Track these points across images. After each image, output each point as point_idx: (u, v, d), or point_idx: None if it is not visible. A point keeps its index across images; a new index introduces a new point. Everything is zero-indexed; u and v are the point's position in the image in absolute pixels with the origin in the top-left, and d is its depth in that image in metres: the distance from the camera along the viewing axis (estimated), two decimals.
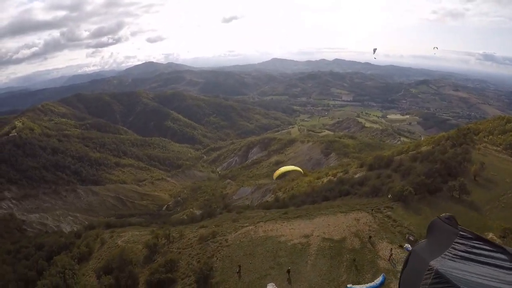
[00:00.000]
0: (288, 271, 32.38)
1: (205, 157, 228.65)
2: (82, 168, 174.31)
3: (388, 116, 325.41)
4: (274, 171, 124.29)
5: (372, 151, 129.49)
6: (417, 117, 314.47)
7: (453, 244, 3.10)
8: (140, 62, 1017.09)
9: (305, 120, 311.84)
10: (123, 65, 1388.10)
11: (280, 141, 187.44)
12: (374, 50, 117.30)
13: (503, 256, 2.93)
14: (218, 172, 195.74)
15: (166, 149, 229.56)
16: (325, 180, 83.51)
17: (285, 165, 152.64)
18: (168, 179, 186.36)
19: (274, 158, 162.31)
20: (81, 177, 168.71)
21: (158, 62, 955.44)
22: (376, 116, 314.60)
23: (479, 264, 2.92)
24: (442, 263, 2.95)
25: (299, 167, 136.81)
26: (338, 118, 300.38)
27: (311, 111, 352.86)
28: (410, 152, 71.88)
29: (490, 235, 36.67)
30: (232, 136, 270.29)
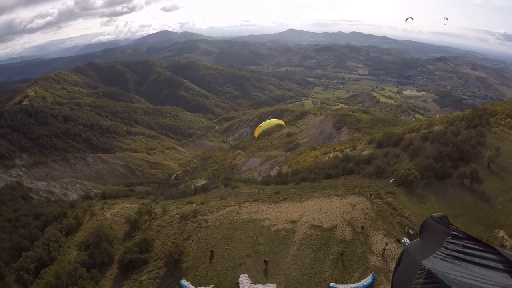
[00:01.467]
0: (266, 262, 29.91)
1: (217, 127, 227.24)
2: (93, 136, 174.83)
3: (403, 92, 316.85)
4: (285, 143, 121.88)
5: (385, 127, 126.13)
6: (433, 95, 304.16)
7: (445, 244, 3.13)
8: (155, 31, 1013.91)
9: (319, 93, 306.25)
10: (138, 34, 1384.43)
11: (292, 113, 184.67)
12: (407, 19, 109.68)
13: (494, 257, 2.91)
14: (229, 143, 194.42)
15: (178, 118, 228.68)
16: (331, 155, 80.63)
17: (297, 137, 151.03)
18: (179, 148, 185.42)
19: (285, 130, 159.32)
20: (92, 145, 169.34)
21: (173, 31, 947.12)
22: (392, 91, 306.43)
23: (470, 264, 2.91)
24: (434, 263, 2.95)
25: (310, 140, 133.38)
26: (353, 92, 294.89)
27: (326, 83, 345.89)
28: (421, 131, 68.03)
29: (501, 233, 33.57)
30: (245, 107, 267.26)
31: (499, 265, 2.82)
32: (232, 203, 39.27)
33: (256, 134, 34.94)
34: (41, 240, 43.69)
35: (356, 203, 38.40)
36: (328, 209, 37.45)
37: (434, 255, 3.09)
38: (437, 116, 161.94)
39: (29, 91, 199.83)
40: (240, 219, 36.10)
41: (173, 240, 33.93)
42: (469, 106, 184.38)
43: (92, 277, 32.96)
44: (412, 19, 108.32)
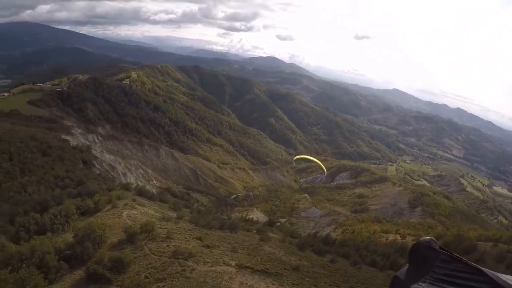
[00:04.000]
0: None
1: (294, 163, 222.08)
2: (175, 132, 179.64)
3: (494, 187, 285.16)
4: (354, 203, 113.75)
5: (462, 221, 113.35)
6: None
7: (434, 268, 3.04)
8: (265, 55, 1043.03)
9: (407, 162, 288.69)
10: (249, 53, 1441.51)
11: (372, 175, 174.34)
12: None
13: (481, 278, 2.86)
14: (300, 183, 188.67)
15: (260, 143, 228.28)
16: (390, 237, 71.36)
17: (368, 201, 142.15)
18: (250, 171, 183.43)
19: (359, 190, 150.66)
20: (170, 140, 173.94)
21: (282, 59, 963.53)
22: (482, 183, 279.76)
23: (459, 287, 2.88)
24: (423, 287, 2.93)
25: (380, 209, 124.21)
26: (441, 172, 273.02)
27: (415, 154, 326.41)
28: (499, 244, 55.44)
29: None
30: (328, 153, 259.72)
31: (485, 286, 2.78)
32: (233, 263, 32.68)
33: (297, 156, 30.43)
34: (55, 209, 41.78)
35: None
36: None
37: (423, 279, 2.93)
38: None
39: (132, 73, 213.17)
40: None
41: (146, 275, 28.99)
42: None
43: (57, 269, 29.53)
44: None
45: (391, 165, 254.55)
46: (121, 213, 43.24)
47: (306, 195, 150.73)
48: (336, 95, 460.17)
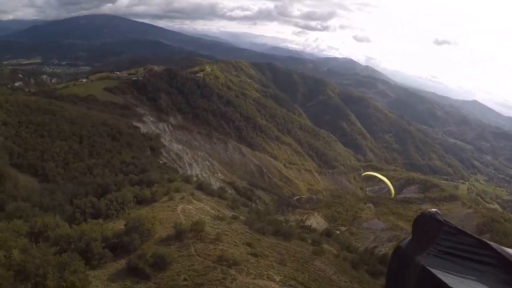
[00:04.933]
0: None
1: (362, 170, 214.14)
2: (245, 127, 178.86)
3: None
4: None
5: None
6: None
7: (438, 240, 3.09)
8: (340, 56, 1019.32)
9: (480, 182, 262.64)
10: (324, 53, 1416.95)
11: (441, 192, 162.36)
12: None
13: (487, 252, 2.89)
14: (365, 192, 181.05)
15: (329, 145, 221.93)
16: None
17: None
18: (315, 174, 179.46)
19: (426, 206, 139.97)
20: (240, 135, 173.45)
21: (358, 61, 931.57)
22: None
23: (464, 260, 2.91)
24: (428, 259, 2.92)
25: None
26: None
27: (490, 174, 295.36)
28: None
29: None
30: (398, 163, 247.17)
31: (492, 260, 2.82)
32: (277, 279, 29.09)
33: (366, 173, 26.48)
34: (113, 195, 40.95)
35: None
36: None
37: (428, 251, 2.97)
38: None
39: (206, 67, 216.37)
40: None
41: (185, 278, 26.47)
42: None
43: (101, 256, 28.56)
44: None
45: (462, 183, 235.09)
46: (176, 206, 41.63)
47: (370, 205, 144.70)
48: (412, 103, 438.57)
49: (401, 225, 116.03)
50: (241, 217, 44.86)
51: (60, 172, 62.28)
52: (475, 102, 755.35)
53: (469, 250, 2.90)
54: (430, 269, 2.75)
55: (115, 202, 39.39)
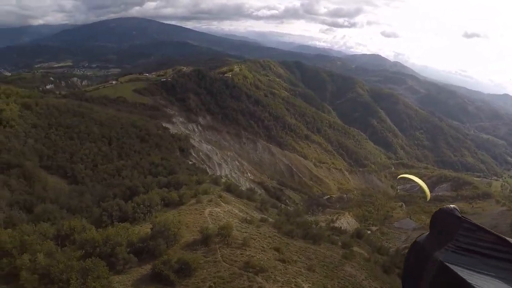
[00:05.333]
0: None
1: (393, 168, 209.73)
2: (274, 126, 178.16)
3: None
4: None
5: None
6: None
7: (457, 236, 3.04)
8: (368, 52, 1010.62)
9: None
10: (352, 50, 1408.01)
11: (474, 189, 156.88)
12: None
13: (507, 249, 2.83)
14: (397, 190, 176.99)
15: (359, 144, 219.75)
16: None
17: (469, 217, 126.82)
18: (346, 172, 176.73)
19: (458, 205, 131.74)
20: (269, 134, 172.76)
21: (386, 57, 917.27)
22: None
23: (482, 256, 2.85)
24: (446, 255, 2.89)
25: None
26: None
27: None
28: None
29: None
30: (429, 161, 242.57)
31: (509, 256, 2.77)
32: (305, 286, 27.78)
33: (401, 175, 24.63)
34: (141, 198, 40.43)
35: None
36: None
37: (446, 247, 2.92)
38: None
39: (235, 67, 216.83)
40: None
41: (211, 285, 25.30)
42: None
43: (126, 261, 28.22)
44: None
45: (496, 180, 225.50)
46: (204, 209, 40.83)
47: (402, 203, 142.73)
48: (442, 98, 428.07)
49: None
50: (270, 219, 43.67)
51: (89, 174, 62.91)
52: (506, 96, 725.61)
53: (489, 247, 2.83)
54: (449, 265, 2.73)
55: (142, 205, 39.09)
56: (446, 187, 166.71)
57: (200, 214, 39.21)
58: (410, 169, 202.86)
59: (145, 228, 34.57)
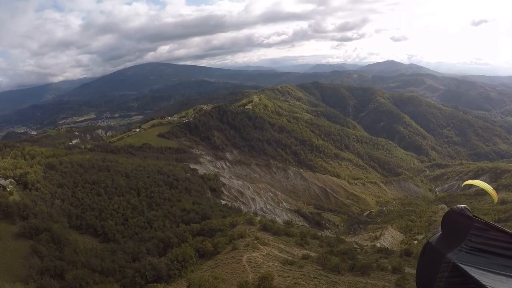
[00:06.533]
0: None
1: (427, 171, 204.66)
2: (302, 151, 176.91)
3: None
4: (496, 211, 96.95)
5: None
6: None
7: (469, 236, 3.08)
8: (382, 60, 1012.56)
9: None
10: (365, 60, 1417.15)
11: None
12: None
13: None
14: (435, 193, 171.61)
15: (389, 152, 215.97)
16: None
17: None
18: (381, 185, 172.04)
19: (501, 195, 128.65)
20: (298, 159, 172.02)
21: (401, 62, 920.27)
22: None
23: (496, 256, 2.90)
24: (459, 256, 2.94)
25: None
26: None
27: None
28: None
29: None
30: (463, 156, 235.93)
31: None
32: None
33: (466, 182, 21.48)
34: (176, 251, 38.49)
35: None
36: None
37: (459, 248, 2.97)
38: None
39: (254, 97, 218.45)
40: None
41: None
42: None
43: None
44: None
45: None
46: (241, 256, 38.33)
47: (443, 205, 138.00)
48: (463, 91, 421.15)
49: None
50: (313, 254, 40.81)
51: (120, 229, 61.30)
52: None
53: (502, 246, 2.87)
54: (462, 265, 2.77)
55: (175, 261, 37.25)
56: (485, 179, 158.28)
57: (238, 263, 36.64)
58: (445, 168, 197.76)
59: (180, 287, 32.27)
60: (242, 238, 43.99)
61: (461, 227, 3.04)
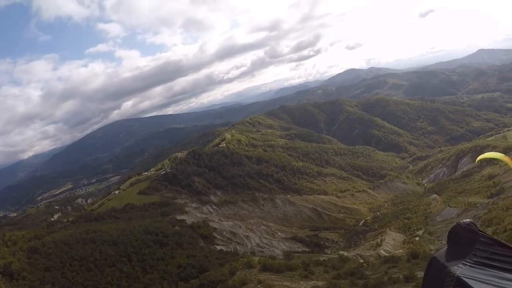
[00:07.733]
0: None
1: (410, 166, 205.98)
2: (285, 176, 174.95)
3: None
4: (487, 187, 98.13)
5: None
6: None
7: (474, 251, 3.12)
8: (342, 70, 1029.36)
9: None
10: (326, 74, 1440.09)
11: (494, 150, 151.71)
12: None
13: None
14: (423, 185, 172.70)
15: (370, 158, 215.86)
16: None
17: (500, 180, 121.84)
18: (370, 191, 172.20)
19: (487, 171, 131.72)
20: (283, 185, 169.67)
21: (360, 68, 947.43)
22: None
23: (500, 271, 2.89)
24: (463, 270, 2.96)
25: None
26: None
27: None
28: None
29: None
30: (441, 143, 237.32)
31: None
32: None
33: (479, 158, 21.34)
34: None
35: None
36: None
37: (464, 262, 2.99)
38: None
39: (226, 134, 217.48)
40: None
41: None
42: None
43: None
44: None
45: (508, 131, 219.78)
46: None
47: (434, 195, 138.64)
48: (426, 81, 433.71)
49: (473, 200, 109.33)
50: (320, 284, 39.50)
51: None
52: (480, 51, 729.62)
53: (506, 261, 2.86)
54: (466, 279, 2.77)
55: None
56: (468, 160, 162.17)
57: None
58: (427, 159, 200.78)
59: None
60: (244, 285, 42.20)
61: (466, 242, 3.07)
